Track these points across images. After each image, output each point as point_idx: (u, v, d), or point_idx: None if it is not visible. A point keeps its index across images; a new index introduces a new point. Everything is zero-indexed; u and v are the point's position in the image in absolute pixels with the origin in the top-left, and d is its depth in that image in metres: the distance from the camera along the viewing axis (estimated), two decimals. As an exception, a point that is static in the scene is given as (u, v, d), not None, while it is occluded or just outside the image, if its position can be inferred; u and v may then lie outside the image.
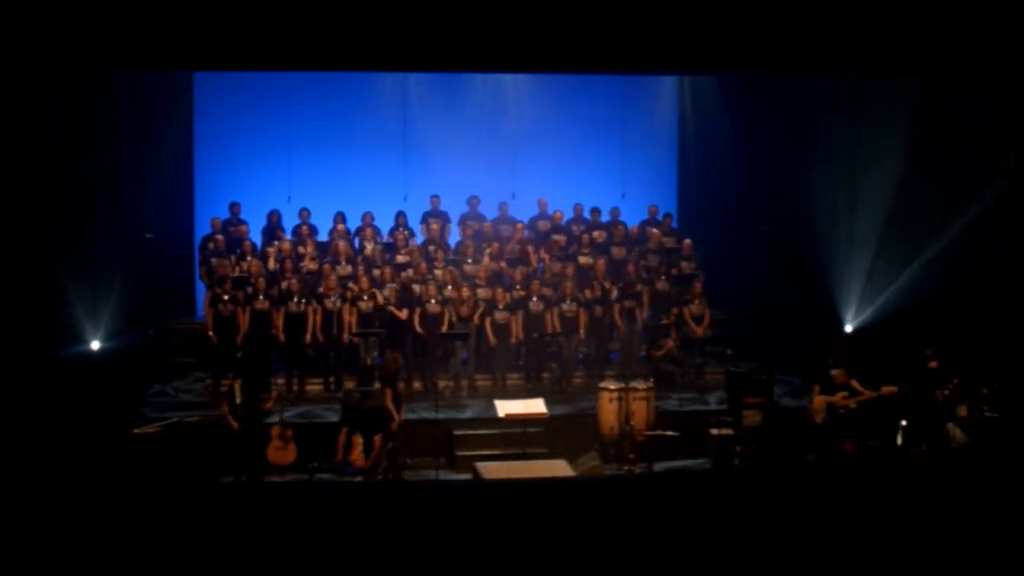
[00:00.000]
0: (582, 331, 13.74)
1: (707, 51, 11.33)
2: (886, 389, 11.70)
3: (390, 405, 11.40)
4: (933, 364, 11.82)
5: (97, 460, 10.42)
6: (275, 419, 11.55)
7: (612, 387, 12.04)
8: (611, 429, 11.88)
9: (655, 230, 15.12)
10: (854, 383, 11.81)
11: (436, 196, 15.16)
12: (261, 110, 15.73)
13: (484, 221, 15.16)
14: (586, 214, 15.31)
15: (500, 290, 13.72)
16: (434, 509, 7.50)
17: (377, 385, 11.58)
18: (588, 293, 13.95)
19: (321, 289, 13.42)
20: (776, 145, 15.04)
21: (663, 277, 14.40)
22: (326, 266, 13.83)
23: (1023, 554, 7.44)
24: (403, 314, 13.40)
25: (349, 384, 13.03)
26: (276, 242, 14.42)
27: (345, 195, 15.49)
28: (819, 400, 11.80)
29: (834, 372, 11.84)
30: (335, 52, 10.95)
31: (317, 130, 15.94)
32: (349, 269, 13.92)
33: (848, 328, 14.00)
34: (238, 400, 11.24)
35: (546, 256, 14.56)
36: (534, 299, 13.70)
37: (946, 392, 11.61)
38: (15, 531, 6.97)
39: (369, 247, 14.47)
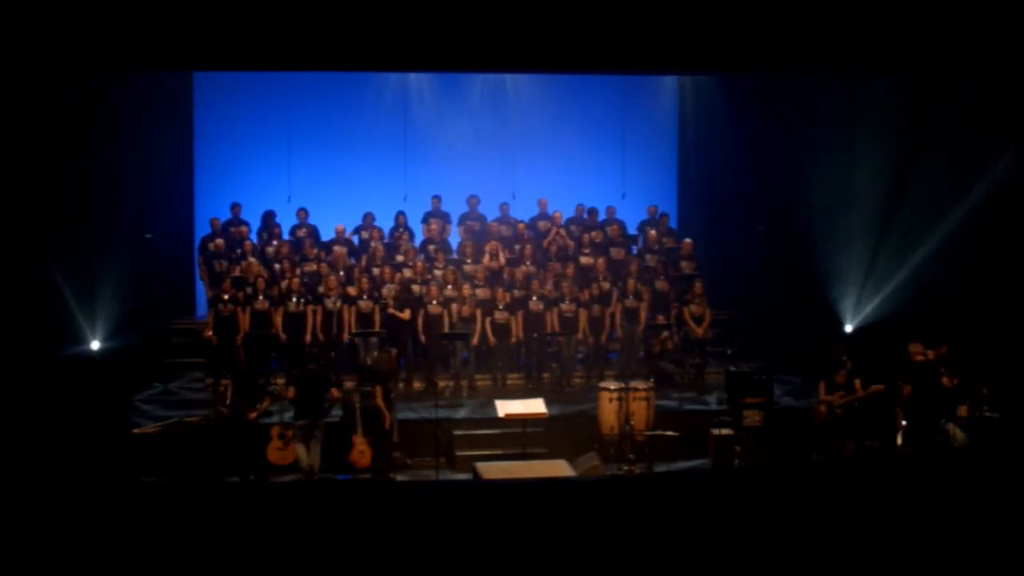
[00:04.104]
0: (582, 331, 13.74)
1: (707, 51, 11.33)
2: (873, 388, 11.77)
3: (381, 404, 11.43)
4: (919, 357, 11.81)
5: (97, 460, 10.41)
6: (275, 419, 11.55)
7: (612, 387, 12.04)
8: (611, 429, 11.88)
9: (652, 230, 15.11)
10: (856, 383, 11.83)
11: (437, 196, 15.16)
12: (261, 110, 15.74)
13: (484, 221, 15.16)
14: (585, 214, 15.31)
15: (500, 290, 13.73)
16: (434, 509, 7.50)
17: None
18: (587, 293, 13.95)
19: (321, 289, 13.42)
20: (776, 145, 15.04)
21: (663, 277, 14.40)
22: (324, 266, 13.83)
23: (1023, 554, 7.43)
24: (405, 315, 13.39)
25: (349, 384, 13.05)
26: (276, 242, 14.43)
27: (345, 195, 15.51)
28: (823, 398, 11.92)
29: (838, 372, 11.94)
30: (335, 52, 10.95)
31: (317, 130, 15.94)
32: (356, 273, 13.91)
33: (848, 328, 14.00)
34: (228, 401, 11.27)
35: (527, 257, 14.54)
36: (534, 299, 13.70)
37: (951, 383, 11.60)
38: (15, 531, 6.97)
39: (372, 247, 14.46)
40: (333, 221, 14.78)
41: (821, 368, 12.20)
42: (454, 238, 15.17)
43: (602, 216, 15.23)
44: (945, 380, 11.53)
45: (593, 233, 14.90)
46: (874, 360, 12.28)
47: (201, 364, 13.86)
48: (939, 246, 13.22)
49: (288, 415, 11.88)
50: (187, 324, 14.77)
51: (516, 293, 13.73)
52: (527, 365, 13.98)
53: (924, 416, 11.50)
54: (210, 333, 13.17)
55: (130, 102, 13.66)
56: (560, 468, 10.83)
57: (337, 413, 12.07)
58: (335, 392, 11.43)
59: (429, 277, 13.83)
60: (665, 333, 13.91)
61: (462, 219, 15.21)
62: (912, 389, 11.58)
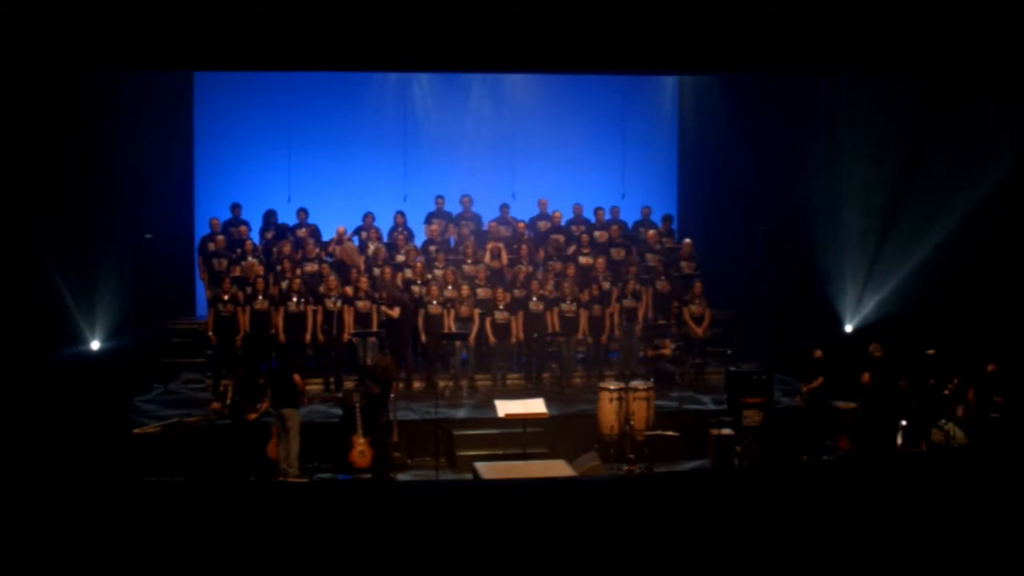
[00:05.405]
0: (582, 332, 13.75)
1: (707, 51, 11.33)
2: (816, 383, 12.29)
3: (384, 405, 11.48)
4: (877, 353, 12.14)
5: (97, 460, 10.41)
6: (274, 419, 11.53)
7: (612, 387, 12.04)
8: (611, 429, 11.88)
9: (651, 231, 15.10)
10: (819, 379, 12.35)
11: (440, 196, 15.16)
12: (261, 110, 15.75)
13: (478, 220, 15.16)
14: (587, 214, 15.31)
15: (500, 290, 13.73)
16: (434, 509, 7.50)
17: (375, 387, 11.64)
18: (587, 294, 13.95)
19: (321, 289, 13.42)
20: (776, 145, 15.04)
21: (663, 277, 14.40)
22: (325, 266, 13.83)
23: (1023, 554, 7.44)
24: (395, 312, 13.34)
25: (349, 384, 13.06)
26: (280, 242, 14.43)
27: (345, 195, 15.51)
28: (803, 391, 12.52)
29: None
30: (335, 52, 10.96)
31: (317, 130, 15.95)
32: (354, 274, 13.91)
33: (848, 328, 14.01)
34: (228, 400, 11.27)
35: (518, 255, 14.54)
36: (534, 299, 13.70)
37: (948, 390, 11.75)
38: (15, 531, 6.97)
39: (372, 247, 14.48)
40: (333, 221, 14.78)
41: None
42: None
43: (605, 216, 15.24)
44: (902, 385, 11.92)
45: (597, 233, 14.90)
46: (843, 358, 12.54)
47: (201, 364, 13.87)
48: (939, 246, 13.22)
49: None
50: (187, 324, 14.78)
51: (516, 293, 13.73)
52: (527, 365, 13.98)
53: (886, 415, 11.81)
54: (210, 333, 13.17)
55: (130, 102, 13.66)
56: (560, 468, 10.83)
57: (319, 408, 12.28)
58: (296, 377, 11.45)
59: (429, 277, 13.83)
60: (666, 341, 13.90)
61: (457, 219, 15.21)
62: (871, 378, 11.95)
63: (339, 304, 13.35)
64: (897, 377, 11.93)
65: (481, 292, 13.76)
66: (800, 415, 12.28)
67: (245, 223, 14.71)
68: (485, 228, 15.03)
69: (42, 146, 11.94)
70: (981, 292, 12.88)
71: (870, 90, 13.85)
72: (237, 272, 13.83)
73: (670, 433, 11.69)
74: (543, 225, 15.24)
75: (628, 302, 13.91)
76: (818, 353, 12.34)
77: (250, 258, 14.05)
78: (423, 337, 13.46)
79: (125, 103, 13.53)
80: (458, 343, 13.39)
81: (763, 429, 11.73)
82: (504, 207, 15.27)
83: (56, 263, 12.11)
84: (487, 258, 14.42)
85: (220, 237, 14.38)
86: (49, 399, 11.24)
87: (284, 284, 13.49)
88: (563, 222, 15.20)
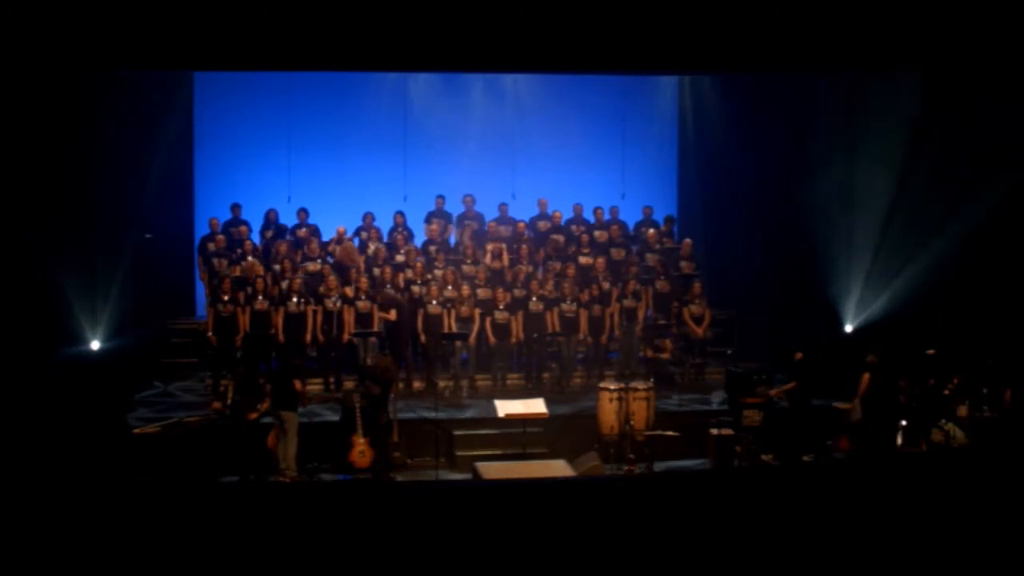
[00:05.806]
0: (582, 331, 13.75)
1: (707, 51, 11.34)
2: (788, 386, 12.23)
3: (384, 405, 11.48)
4: (871, 359, 12.10)
5: (97, 460, 10.41)
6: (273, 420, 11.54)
7: (612, 387, 12.03)
8: (611, 429, 11.87)
9: (652, 230, 15.10)
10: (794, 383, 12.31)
11: (441, 196, 15.16)
12: (261, 110, 15.74)
13: (481, 220, 15.16)
14: (587, 214, 15.31)
15: (500, 290, 13.73)
16: (434, 509, 7.50)
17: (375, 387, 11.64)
18: (587, 294, 13.95)
19: (321, 289, 13.42)
20: (776, 145, 15.04)
21: (663, 277, 14.39)
22: (326, 267, 13.83)
23: (1023, 554, 7.44)
24: (391, 315, 13.34)
25: (349, 384, 13.06)
26: (278, 241, 14.43)
27: (345, 195, 15.51)
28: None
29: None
30: (335, 52, 10.97)
31: (317, 130, 15.94)
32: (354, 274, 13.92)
33: (848, 328, 14.00)
34: (228, 400, 11.28)
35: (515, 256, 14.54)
36: (534, 299, 13.70)
37: (945, 391, 11.75)
38: (15, 531, 6.97)
39: (372, 247, 14.48)
40: (333, 221, 14.78)
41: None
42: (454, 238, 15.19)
43: (606, 217, 15.24)
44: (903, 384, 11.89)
45: (597, 233, 14.90)
46: (843, 358, 12.52)
47: (201, 364, 13.86)
48: (940, 246, 13.22)
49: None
50: (187, 324, 14.77)
51: (516, 293, 13.73)
52: (527, 365, 13.98)
53: (885, 415, 11.77)
54: (210, 333, 13.18)
55: (130, 102, 13.66)
56: (560, 468, 10.83)
57: (315, 408, 12.26)
58: (297, 384, 11.45)
59: (429, 277, 13.83)
60: (666, 341, 13.90)
61: (460, 219, 15.21)
62: (871, 379, 11.86)
63: (339, 304, 13.34)
64: (897, 377, 11.92)
65: (481, 292, 13.76)
66: (784, 415, 12.28)
67: (245, 223, 14.71)
68: (485, 228, 15.03)
69: (42, 146, 11.94)
70: (982, 292, 12.88)
71: (870, 90, 13.85)
72: (237, 272, 13.82)
73: (670, 433, 11.69)
74: (543, 225, 15.24)
75: (628, 302, 13.91)
76: (798, 355, 12.25)
77: (250, 258, 14.04)
78: (423, 337, 13.46)
79: (125, 103, 13.53)
80: (458, 343, 13.39)
81: (763, 429, 11.73)
82: (503, 207, 15.27)
83: (56, 263, 12.11)
84: (487, 258, 14.42)
85: (220, 237, 14.39)
86: (49, 399, 11.24)
87: (284, 284, 13.49)
88: (563, 222, 15.21)
